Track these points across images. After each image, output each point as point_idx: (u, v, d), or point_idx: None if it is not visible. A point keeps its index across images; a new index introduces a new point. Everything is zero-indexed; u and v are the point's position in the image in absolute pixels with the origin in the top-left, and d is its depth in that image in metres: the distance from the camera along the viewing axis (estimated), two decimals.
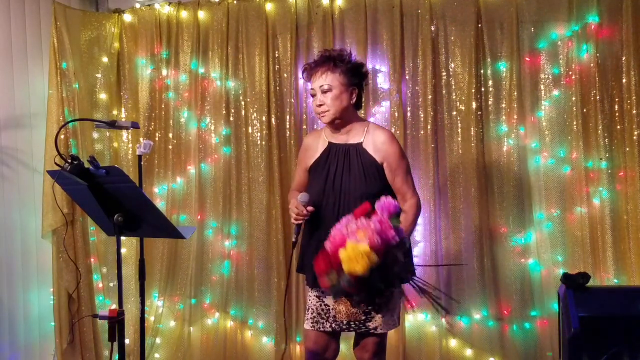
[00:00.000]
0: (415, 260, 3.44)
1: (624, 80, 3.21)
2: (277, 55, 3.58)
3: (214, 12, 3.65)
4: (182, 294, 3.72)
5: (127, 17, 3.77)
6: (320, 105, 2.38)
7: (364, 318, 2.37)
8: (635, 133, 3.18)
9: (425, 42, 3.40)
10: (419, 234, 3.44)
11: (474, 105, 3.36)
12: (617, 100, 3.24)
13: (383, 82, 3.50)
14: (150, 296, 3.70)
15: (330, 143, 2.47)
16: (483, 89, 3.39)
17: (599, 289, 2.88)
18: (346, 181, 2.37)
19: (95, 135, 3.76)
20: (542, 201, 3.36)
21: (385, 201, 2.09)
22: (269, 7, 3.58)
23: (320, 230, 2.32)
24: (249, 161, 3.61)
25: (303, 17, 3.54)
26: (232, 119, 3.65)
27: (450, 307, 3.32)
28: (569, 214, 3.32)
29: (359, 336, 2.46)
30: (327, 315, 2.42)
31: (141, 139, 3.60)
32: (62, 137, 3.44)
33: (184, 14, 3.70)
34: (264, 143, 3.57)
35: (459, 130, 3.41)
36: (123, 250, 3.64)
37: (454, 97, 3.41)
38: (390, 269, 2.05)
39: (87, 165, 1.99)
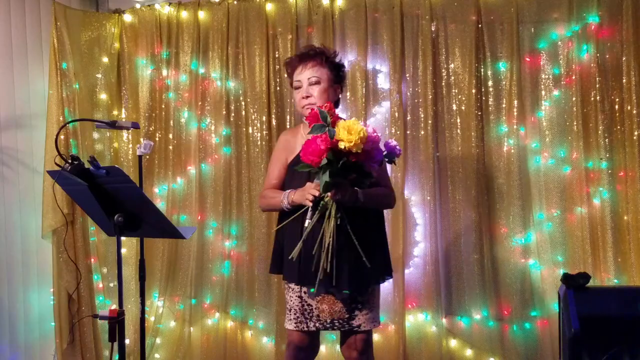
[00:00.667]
0: (416, 260, 3.47)
1: (624, 80, 3.22)
2: (277, 55, 3.58)
3: (214, 12, 3.65)
4: (182, 294, 3.72)
5: (127, 17, 3.77)
6: (307, 97, 2.37)
7: (347, 316, 2.38)
8: (635, 133, 3.19)
9: (425, 42, 3.40)
10: (419, 234, 3.45)
11: (474, 105, 3.36)
12: (617, 100, 3.24)
13: (383, 82, 3.50)
14: (150, 296, 3.70)
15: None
16: (483, 89, 3.39)
17: (599, 289, 2.88)
18: None
19: (95, 135, 3.76)
20: (542, 201, 3.36)
21: (391, 142, 2.19)
22: (269, 7, 3.58)
23: (302, 227, 2.27)
24: (249, 161, 3.61)
25: (303, 17, 3.54)
26: (232, 118, 3.65)
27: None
28: (569, 214, 3.32)
29: (345, 334, 2.46)
30: (311, 314, 2.41)
31: (141, 139, 3.60)
32: (62, 137, 3.43)
33: (184, 14, 3.70)
34: (264, 143, 3.57)
35: (459, 131, 3.41)
36: (123, 250, 3.64)
37: (454, 97, 3.41)
38: (366, 174, 2.13)
39: (87, 165, 1.99)
